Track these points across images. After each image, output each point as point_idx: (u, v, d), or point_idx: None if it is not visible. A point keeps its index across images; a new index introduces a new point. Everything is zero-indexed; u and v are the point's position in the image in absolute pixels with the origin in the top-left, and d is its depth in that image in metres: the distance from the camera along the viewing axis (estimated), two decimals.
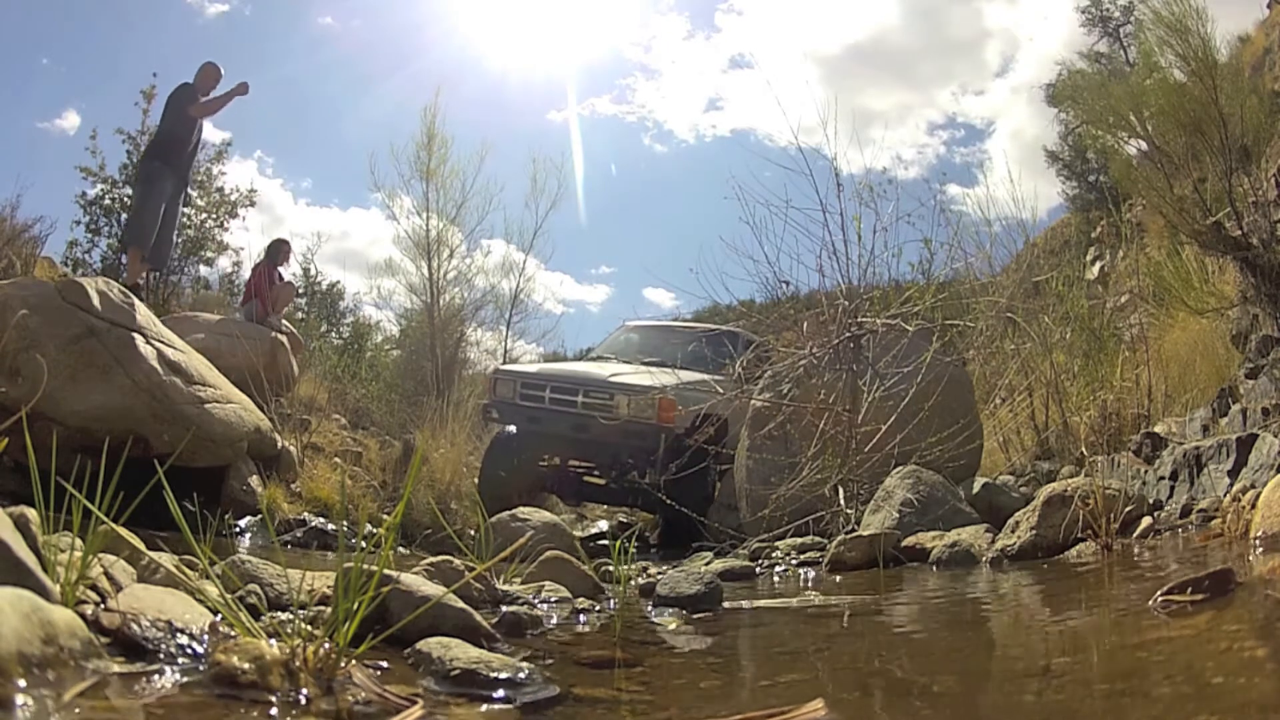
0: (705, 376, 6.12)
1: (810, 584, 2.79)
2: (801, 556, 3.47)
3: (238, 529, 4.61)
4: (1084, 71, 11.52)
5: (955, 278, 6.47)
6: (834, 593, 2.48)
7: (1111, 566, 2.39)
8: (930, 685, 1.32)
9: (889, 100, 35.12)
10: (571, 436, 6.52)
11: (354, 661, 1.07)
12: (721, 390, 5.40)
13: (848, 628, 2.02)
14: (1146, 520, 2.69)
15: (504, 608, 1.78)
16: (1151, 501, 2.94)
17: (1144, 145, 5.37)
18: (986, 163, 31.01)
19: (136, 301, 4.98)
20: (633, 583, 2.61)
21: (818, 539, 3.75)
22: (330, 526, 5.01)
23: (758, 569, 3.25)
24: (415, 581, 1.46)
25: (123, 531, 1.46)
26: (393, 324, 14.93)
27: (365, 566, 1.18)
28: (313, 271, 14.61)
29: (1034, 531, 2.73)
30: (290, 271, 9.54)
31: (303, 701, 0.95)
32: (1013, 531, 2.85)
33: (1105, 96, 5.46)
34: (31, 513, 1.26)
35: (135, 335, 4.68)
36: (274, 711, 0.92)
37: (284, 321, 7.99)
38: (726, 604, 2.17)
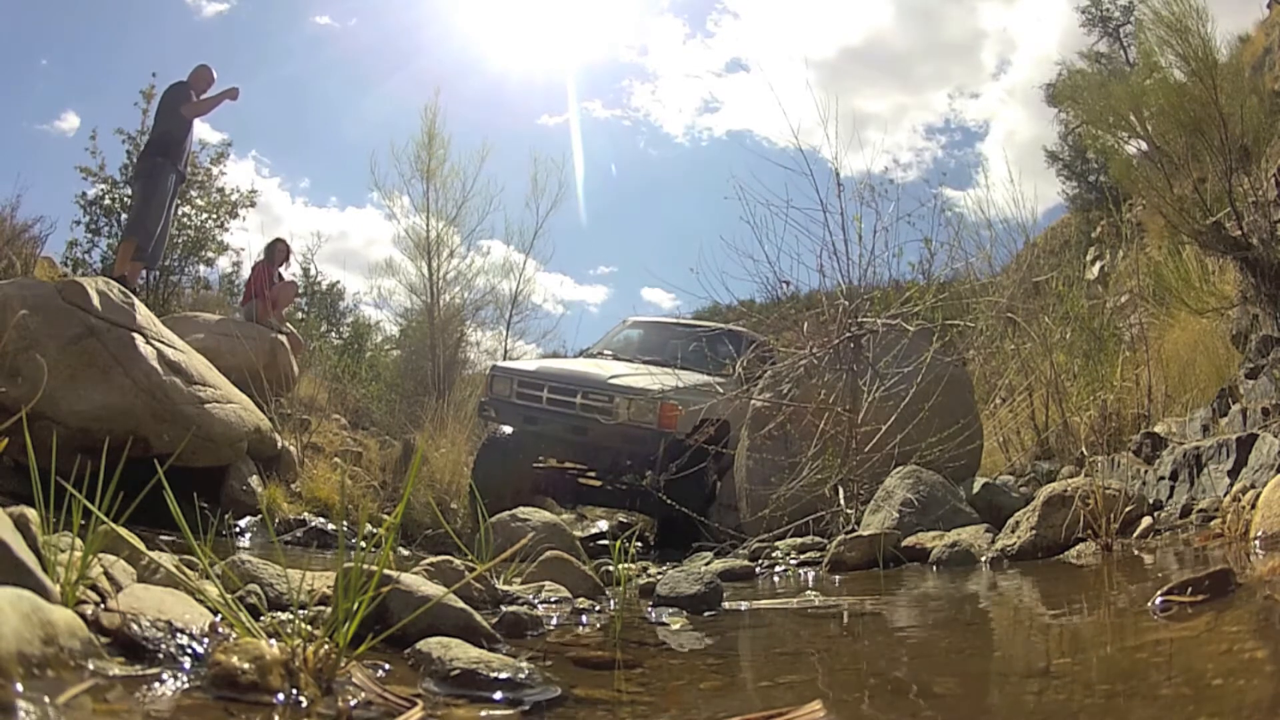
0: (706, 378, 6.08)
1: (810, 584, 2.79)
2: (801, 557, 3.47)
3: (238, 529, 4.60)
4: (1084, 71, 11.51)
5: (955, 278, 6.48)
6: (834, 593, 2.48)
7: (1111, 567, 2.39)
8: (930, 686, 1.32)
9: (885, 102, 35.07)
10: (569, 439, 6.39)
11: (354, 662, 1.07)
12: (722, 391, 5.39)
13: (848, 628, 2.02)
14: (1146, 520, 2.69)
15: (504, 608, 1.78)
16: (1151, 501, 2.94)
17: (1144, 145, 5.38)
18: (984, 163, 31.05)
19: (136, 301, 4.98)
20: (633, 583, 2.61)
21: (818, 539, 3.75)
22: (330, 526, 5.01)
23: (758, 569, 3.25)
24: (415, 581, 1.46)
25: (123, 531, 1.46)
26: (393, 324, 14.96)
27: (365, 566, 1.18)
28: (312, 271, 14.62)
29: (1034, 531, 2.73)
30: (290, 271, 9.52)
31: (303, 702, 0.95)
32: (1013, 531, 2.85)
33: (1105, 96, 5.47)
34: (31, 513, 1.26)
35: (135, 335, 4.68)
36: (275, 714, 0.92)
37: (285, 322, 7.99)
38: (726, 604, 2.17)
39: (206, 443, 4.77)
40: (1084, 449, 4.34)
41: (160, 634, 1.06)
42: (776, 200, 4.86)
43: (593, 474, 7.12)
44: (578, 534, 5.46)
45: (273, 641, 1.03)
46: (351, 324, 14.86)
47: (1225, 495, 2.60)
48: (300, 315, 12.35)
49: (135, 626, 1.05)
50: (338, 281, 15.45)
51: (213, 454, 4.89)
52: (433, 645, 1.21)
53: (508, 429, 7.04)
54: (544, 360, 9.91)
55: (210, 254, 11.62)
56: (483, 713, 1.06)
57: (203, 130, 11.52)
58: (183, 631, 1.10)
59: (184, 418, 4.59)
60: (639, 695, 1.30)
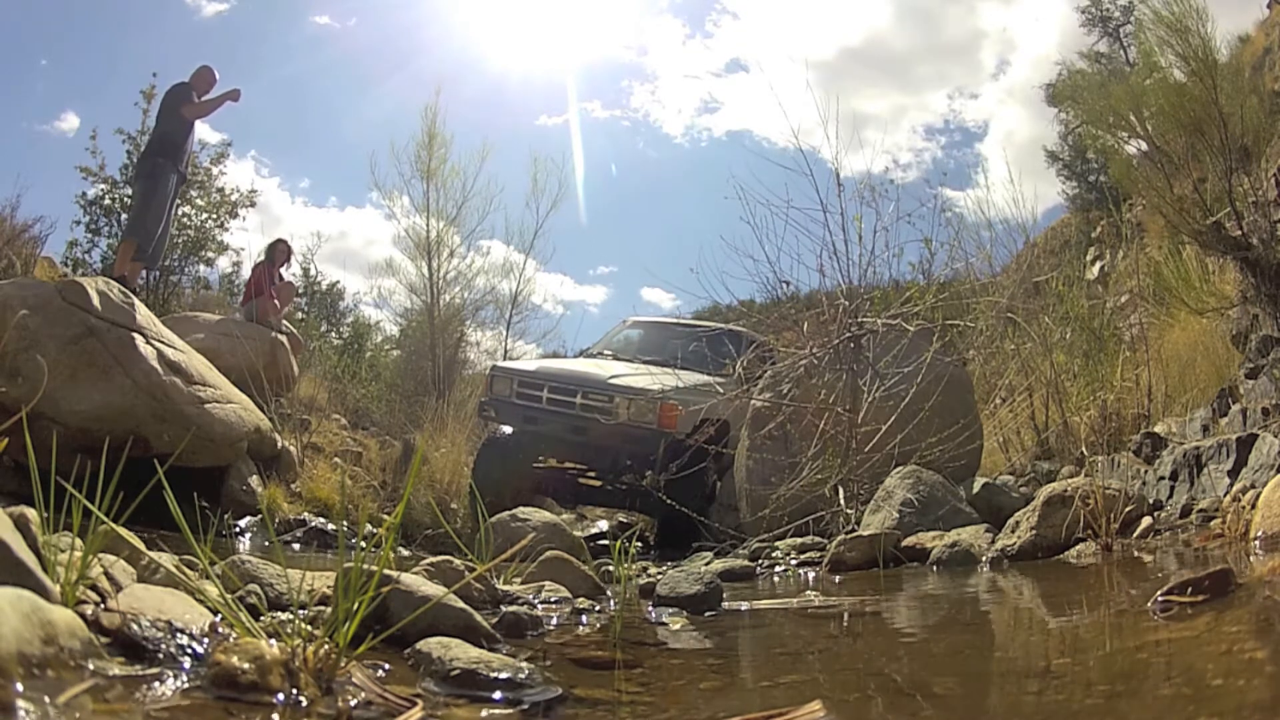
0: (706, 378, 6.08)
1: (810, 584, 2.79)
2: (801, 556, 3.47)
3: (238, 529, 4.61)
4: (1084, 71, 11.52)
5: (955, 278, 6.48)
6: (834, 593, 2.48)
7: (1111, 567, 2.39)
8: (930, 686, 1.32)
9: (884, 103, 35.07)
10: (568, 439, 6.39)
11: (354, 662, 1.07)
12: (722, 391, 5.39)
13: (848, 628, 2.02)
14: (1146, 520, 2.69)
15: (504, 608, 1.78)
16: (1151, 501, 2.94)
17: (1144, 145, 5.38)
18: (983, 164, 31.09)
19: (136, 301, 4.98)
20: (633, 583, 2.61)
21: (818, 539, 3.75)
22: (330, 526, 5.01)
23: (758, 569, 3.25)
24: (415, 581, 1.46)
25: (123, 531, 1.46)
26: (393, 324, 14.96)
27: (365, 566, 1.18)
28: (312, 271, 14.62)
29: (1034, 532, 2.73)
30: (290, 272, 9.53)
31: (303, 702, 0.95)
32: (1013, 531, 2.85)
33: (1105, 96, 5.47)
34: (31, 513, 1.26)
35: (135, 335, 4.68)
36: (275, 714, 0.92)
37: (284, 322, 7.99)
38: (726, 604, 2.16)
39: (206, 443, 4.77)
40: (1084, 449, 4.34)
41: (160, 634, 1.06)
42: (776, 200, 4.86)
43: (593, 474, 7.10)
44: (578, 534, 5.46)
45: (273, 641, 1.03)
46: (351, 324, 14.85)
47: (1225, 495, 2.60)
48: (300, 315, 12.35)
49: (135, 626, 1.05)
50: (338, 281, 15.45)
51: (213, 454, 4.89)
52: (433, 645, 1.21)
53: (508, 429, 7.04)
54: (544, 360, 9.91)
55: (210, 254, 11.63)
56: (483, 713, 1.06)
57: (203, 130, 11.45)
58: (183, 631, 1.10)
59: (184, 418, 4.59)
60: (639, 695, 1.30)
